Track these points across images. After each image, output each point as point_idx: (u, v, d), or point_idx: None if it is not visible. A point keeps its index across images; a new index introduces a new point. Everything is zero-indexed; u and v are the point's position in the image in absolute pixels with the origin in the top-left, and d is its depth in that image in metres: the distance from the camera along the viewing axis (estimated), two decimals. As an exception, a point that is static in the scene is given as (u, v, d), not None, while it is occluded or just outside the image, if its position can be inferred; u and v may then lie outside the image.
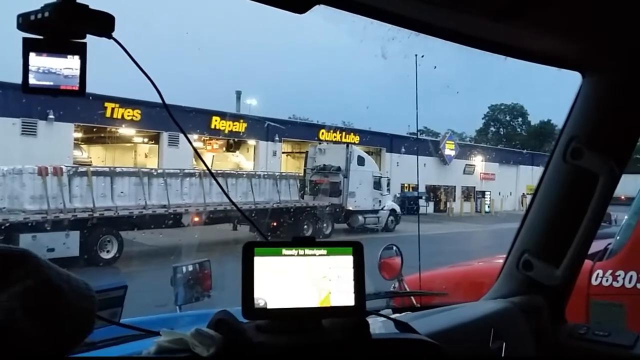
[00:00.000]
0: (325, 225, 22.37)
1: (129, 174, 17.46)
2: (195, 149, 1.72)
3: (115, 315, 1.67)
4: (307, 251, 1.22)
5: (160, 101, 1.30)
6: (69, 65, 1.10)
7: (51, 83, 1.10)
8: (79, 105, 20.13)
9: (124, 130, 26.99)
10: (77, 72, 1.11)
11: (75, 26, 1.10)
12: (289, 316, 1.19)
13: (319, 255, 1.22)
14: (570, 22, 1.68)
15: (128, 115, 24.66)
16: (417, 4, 1.49)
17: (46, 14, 1.07)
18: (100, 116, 23.68)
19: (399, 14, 1.58)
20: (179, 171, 18.02)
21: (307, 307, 1.20)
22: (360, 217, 23.87)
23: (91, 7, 1.11)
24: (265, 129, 28.85)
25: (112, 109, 24.20)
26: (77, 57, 1.11)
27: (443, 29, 1.72)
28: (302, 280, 1.20)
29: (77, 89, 1.11)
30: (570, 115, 2.08)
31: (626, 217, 3.81)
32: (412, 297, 2.91)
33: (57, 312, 0.92)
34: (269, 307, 1.17)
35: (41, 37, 1.09)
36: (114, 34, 1.14)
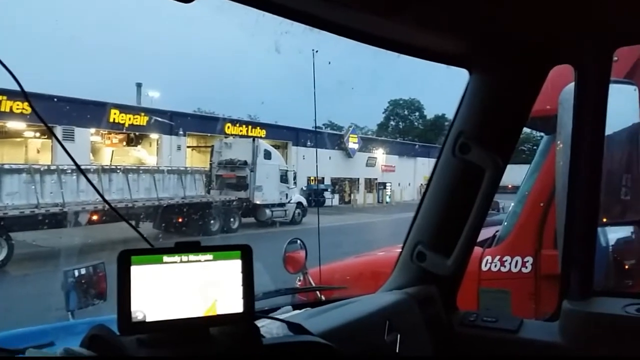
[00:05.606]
0: (232, 219, 22.19)
1: (18, 171, 16.36)
2: (61, 143, 1.57)
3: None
4: (192, 257, 1.15)
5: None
6: None
7: None
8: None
9: (13, 124, 25.08)
10: None
11: None
12: (170, 328, 1.13)
13: (205, 260, 1.16)
14: (455, 19, 1.73)
15: (17, 109, 22.76)
16: None
17: None
18: (-15, 110, 21.91)
19: (289, 7, 1.55)
20: (74, 167, 16.87)
21: (191, 317, 1.14)
22: (268, 211, 23.84)
23: None
24: (169, 122, 27.90)
25: (-1, 101, 22.44)
26: None
27: (334, 24, 1.71)
28: (185, 289, 1.14)
29: None
30: (458, 111, 2.15)
31: (512, 204, 4.06)
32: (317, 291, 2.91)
33: None
34: (148, 319, 1.10)
35: None
36: None
